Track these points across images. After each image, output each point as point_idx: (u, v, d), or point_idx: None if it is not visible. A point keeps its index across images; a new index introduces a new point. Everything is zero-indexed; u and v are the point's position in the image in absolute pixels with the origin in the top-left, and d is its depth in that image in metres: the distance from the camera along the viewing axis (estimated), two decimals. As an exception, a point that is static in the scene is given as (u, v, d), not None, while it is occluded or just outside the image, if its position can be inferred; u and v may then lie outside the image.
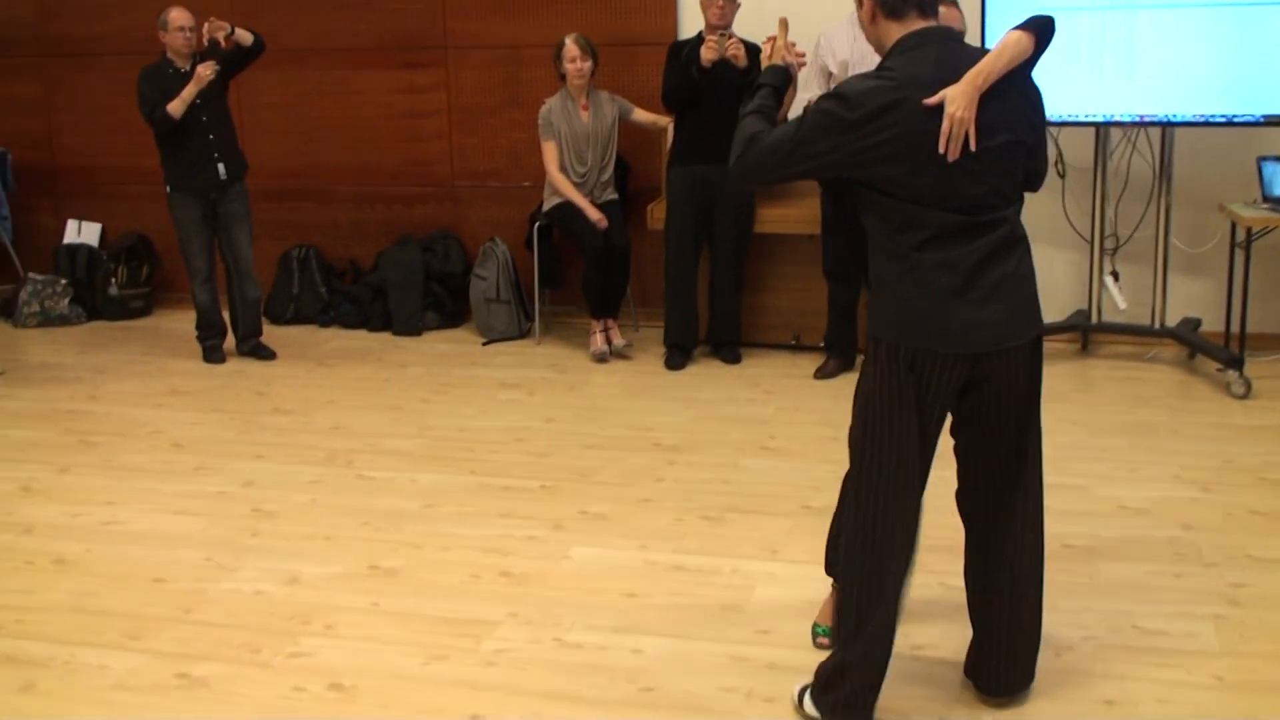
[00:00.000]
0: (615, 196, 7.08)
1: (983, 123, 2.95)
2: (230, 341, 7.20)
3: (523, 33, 7.61)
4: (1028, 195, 3.28)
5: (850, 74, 6.11)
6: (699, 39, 6.47)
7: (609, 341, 6.92)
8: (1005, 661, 3.33)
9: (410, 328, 7.59)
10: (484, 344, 7.33)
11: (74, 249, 8.33)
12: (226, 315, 7.19)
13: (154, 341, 7.56)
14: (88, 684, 3.57)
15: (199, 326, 7.11)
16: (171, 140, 6.78)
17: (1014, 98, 3.05)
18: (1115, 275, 6.66)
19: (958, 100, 2.91)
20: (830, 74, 6.20)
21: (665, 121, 6.95)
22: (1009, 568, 3.32)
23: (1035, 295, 3.30)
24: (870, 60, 6.04)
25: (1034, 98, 3.14)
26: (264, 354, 7.14)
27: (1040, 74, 3.13)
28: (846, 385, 6.23)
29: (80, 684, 3.57)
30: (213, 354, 7.07)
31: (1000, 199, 3.08)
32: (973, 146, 2.94)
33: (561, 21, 7.27)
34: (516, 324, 7.44)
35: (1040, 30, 3.04)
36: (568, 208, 6.91)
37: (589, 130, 6.94)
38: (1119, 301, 6.61)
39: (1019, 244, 3.19)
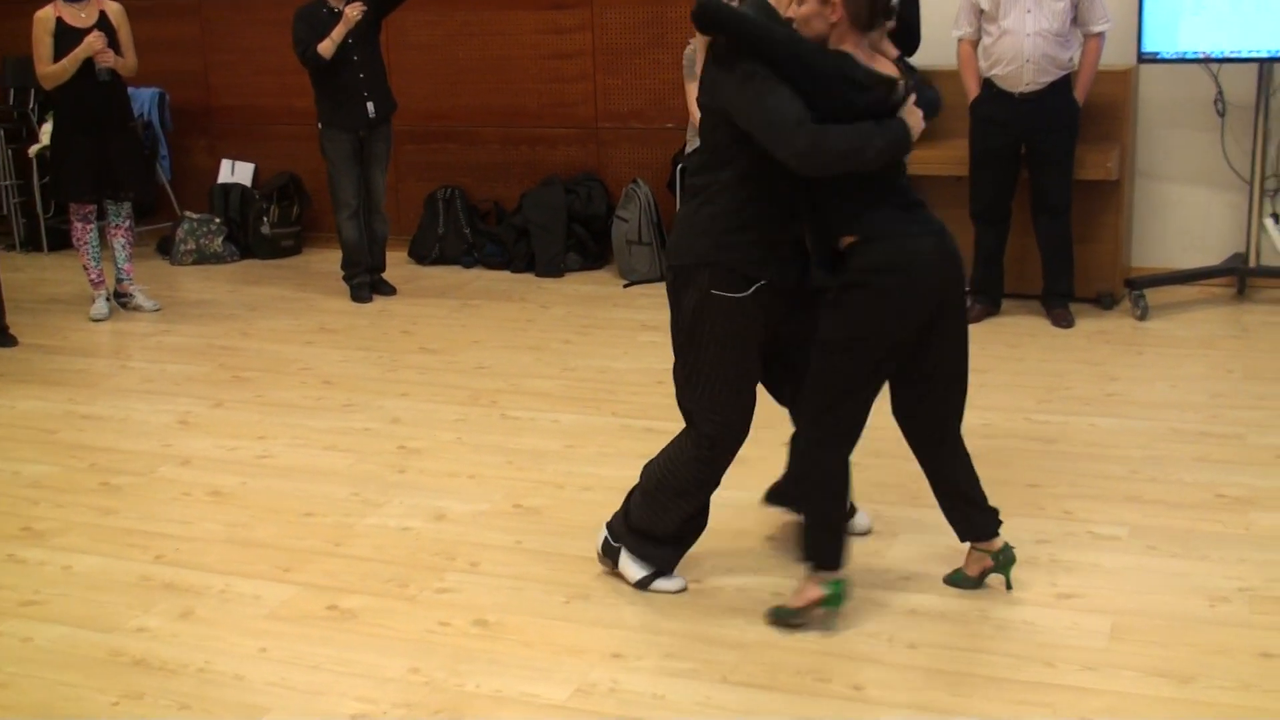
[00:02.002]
0: (759, 137, 7.01)
1: None
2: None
3: (667, -28, 7.56)
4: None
5: (1001, 11, 5.97)
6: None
7: (751, 283, 6.87)
8: None
9: (553, 269, 7.64)
10: (625, 285, 7.35)
11: (228, 188, 8.53)
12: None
13: (304, 280, 7.72)
14: (242, 612, 3.68)
15: (345, 264, 7.24)
16: (324, 78, 6.91)
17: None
18: (1276, 218, 6.44)
19: None
20: (981, 10, 6.06)
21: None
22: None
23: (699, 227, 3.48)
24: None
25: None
26: (385, 289, 7.28)
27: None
28: (992, 330, 6.15)
29: (235, 612, 3.69)
30: (360, 291, 7.20)
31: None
32: None
33: (706, -40, 7.20)
34: (658, 266, 7.44)
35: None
36: (711, 148, 6.86)
37: (733, 70, 6.87)
38: (1280, 245, 6.40)
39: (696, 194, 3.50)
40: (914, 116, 3.27)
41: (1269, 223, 6.42)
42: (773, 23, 3.29)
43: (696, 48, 6.86)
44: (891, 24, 3.34)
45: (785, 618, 3.50)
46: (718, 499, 3.69)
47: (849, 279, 3.31)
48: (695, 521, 3.70)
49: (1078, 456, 4.56)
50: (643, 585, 3.71)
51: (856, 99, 3.22)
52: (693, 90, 6.87)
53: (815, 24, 3.25)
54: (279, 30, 7.24)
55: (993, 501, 3.60)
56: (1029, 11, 5.96)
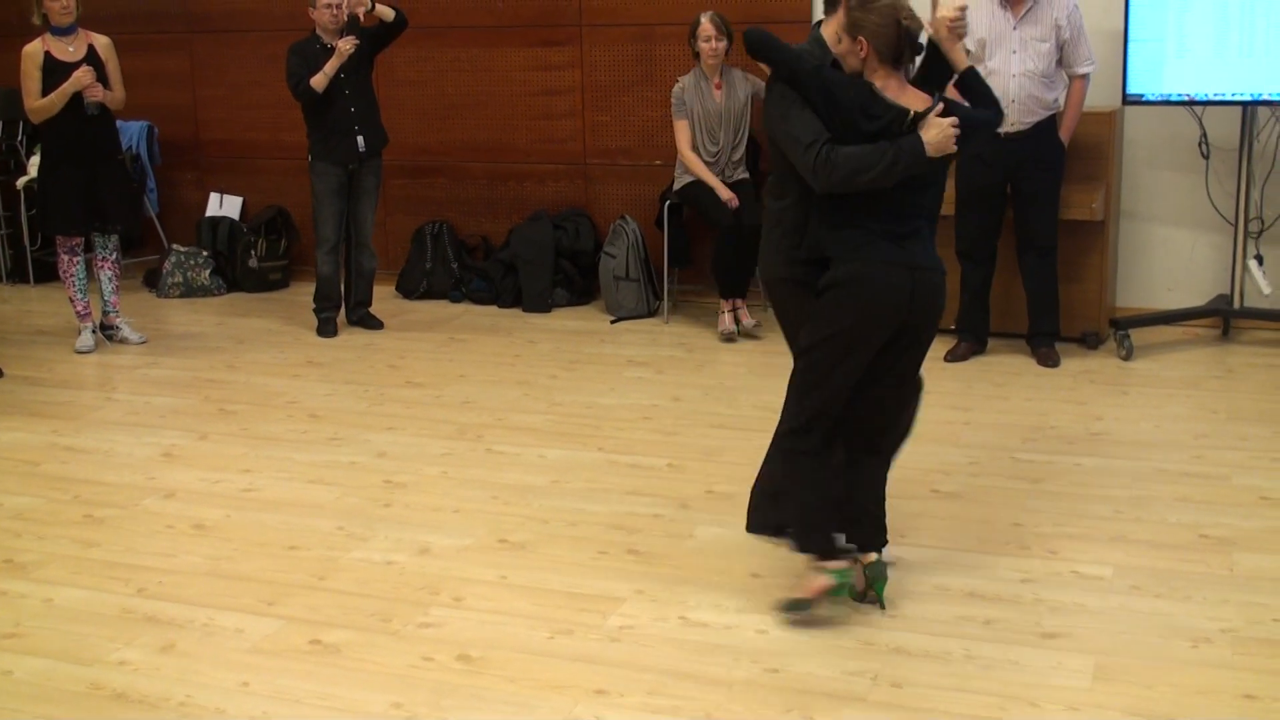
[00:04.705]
0: (747, 176, 7.06)
1: None
2: (341, 314, 7.33)
3: (657, 10, 7.61)
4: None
5: (987, 52, 6.02)
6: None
7: (738, 321, 6.91)
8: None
9: (540, 304, 7.65)
10: (613, 322, 7.36)
11: (216, 221, 8.54)
12: (342, 288, 7.31)
13: (291, 313, 7.72)
14: (224, 646, 3.67)
15: (317, 297, 7.24)
16: (316, 112, 6.94)
17: None
18: (1259, 259, 6.48)
19: None
20: (968, 51, 6.09)
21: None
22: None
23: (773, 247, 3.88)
24: (1008, 38, 5.97)
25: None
26: (372, 323, 7.29)
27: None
28: (978, 369, 6.17)
29: (217, 646, 3.67)
30: (326, 326, 7.20)
31: None
32: None
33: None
34: (645, 302, 7.46)
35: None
36: (699, 186, 6.90)
37: (722, 109, 6.92)
38: (1263, 286, 6.43)
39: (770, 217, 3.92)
40: (931, 132, 3.49)
41: (1253, 264, 6.46)
42: (812, 53, 3.71)
43: (685, 85, 6.91)
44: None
45: (795, 608, 3.68)
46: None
47: (820, 287, 3.64)
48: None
49: (1063, 496, 4.57)
50: None
51: (865, 125, 3.52)
52: (682, 127, 6.92)
53: (850, 60, 3.62)
54: (268, 64, 7.28)
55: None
56: (1014, 52, 6.01)
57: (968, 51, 6.03)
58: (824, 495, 3.74)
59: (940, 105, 3.55)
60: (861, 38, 3.54)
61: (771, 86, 3.71)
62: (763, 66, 3.86)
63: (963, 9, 3.66)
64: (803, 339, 3.71)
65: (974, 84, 3.69)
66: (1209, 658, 3.47)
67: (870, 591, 3.78)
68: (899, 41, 3.53)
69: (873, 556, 3.78)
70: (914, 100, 3.58)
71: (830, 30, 3.73)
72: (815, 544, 3.71)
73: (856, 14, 3.54)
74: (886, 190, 3.54)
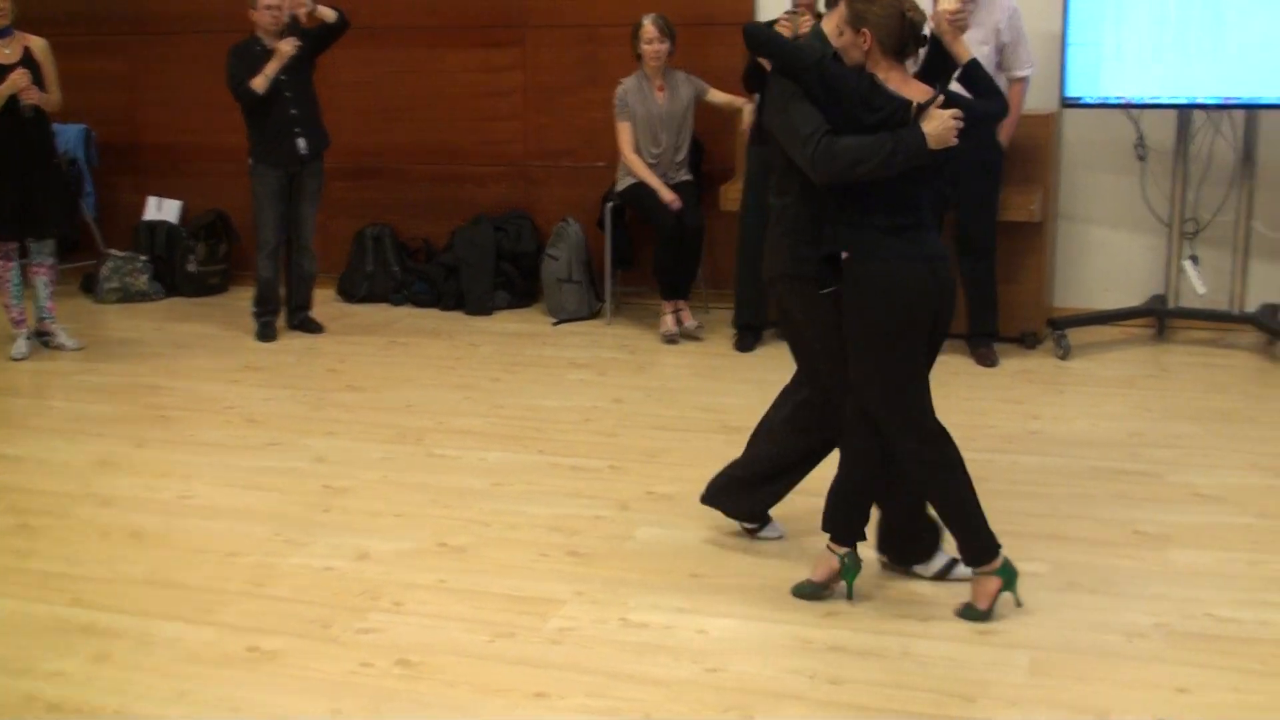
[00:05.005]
0: (689, 177, 7.07)
1: None
2: (281, 318, 7.29)
3: (600, 12, 7.62)
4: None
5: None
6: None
7: (679, 323, 6.92)
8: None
9: (482, 307, 7.63)
10: (555, 324, 7.36)
11: (154, 226, 8.46)
12: (282, 292, 7.27)
13: (230, 318, 7.66)
14: (161, 655, 3.63)
15: (257, 301, 7.19)
16: (256, 115, 6.90)
17: None
18: (1194, 259, 6.56)
19: None
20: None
21: (741, 103, 6.92)
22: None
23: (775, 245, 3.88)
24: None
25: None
26: (312, 327, 7.25)
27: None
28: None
29: (154, 655, 3.63)
30: (266, 330, 7.16)
31: None
32: None
33: (640, 1, 7.25)
34: (587, 304, 7.46)
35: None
36: (641, 188, 6.91)
37: (664, 111, 6.93)
38: (1198, 286, 6.51)
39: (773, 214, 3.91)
40: (931, 124, 3.50)
41: (1188, 265, 6.54)
42: (813, 46, 3.72)
43: (628, 87, 6.92)
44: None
45: (811, 592, 3.81)
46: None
47: (850, 292, 3.64)
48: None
49: (1001, 494, 4.60)
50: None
51: (865, 117, 3.53)
52: (624, 129, 6.92)
53: (852, 53, 3.63)
54: (208, 67, 7.22)
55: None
56: (953, 55, 6.05)
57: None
58: (973, 495, 3.74)
59: (941, 97, 3.56)
60: (865, 30, 3.56)
61: (772, 82, 3.74)
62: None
63: (964, 1, 3.72)
64: (859, 355, 3.67)
65: (977, 76, 3.72)
66: (1143, 651, 3.51)
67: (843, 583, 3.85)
68: (903, 33, 3.56)
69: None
70: (916, 92, 3.59)
71: (831, 24, 3.74)
72: (989, 552, 3.70)
73: (860, 6, 3.56)
74: (893, 183, 3.55)
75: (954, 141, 3.54)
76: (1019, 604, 3.73)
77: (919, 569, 3.94)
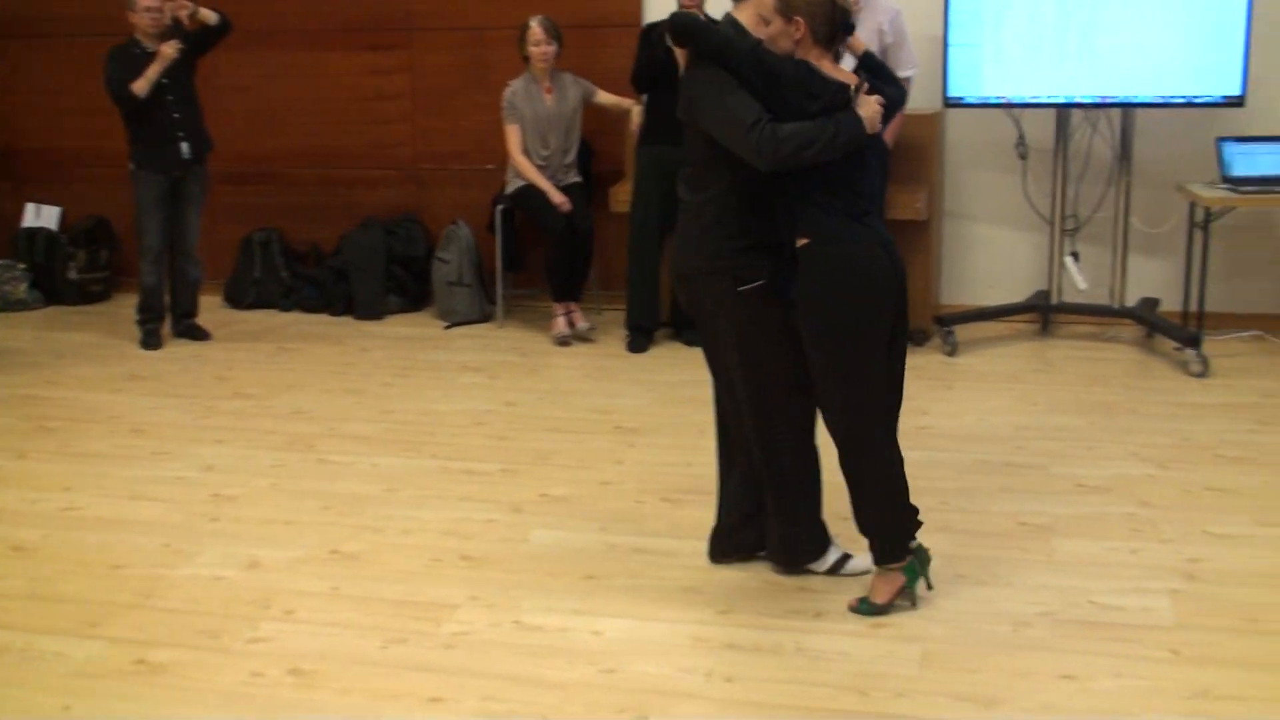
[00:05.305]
0: (579, 179, 7.07)
1: None
2: (166, 325, 7.17)
3: (487, 15, 7.58)
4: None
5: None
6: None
7: (571, 324, 6.92)
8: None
9: (372, 311, 7.57)
10: (446, 327, 7.31)
11: (33, 233, 8.26)
12: (167, 299, 7.15)
13: (113, 326, 7.51)
14: (45, 671, 3.55)
15: (141, 309, 7.05)
16: (137, 119, 6.77)
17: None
18: (1075, 256, 6.70)
19: None
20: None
21: (629, 104, 6.94)
22: (748, 471, 3.98)
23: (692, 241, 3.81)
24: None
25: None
26: (198, 334, 7.14)
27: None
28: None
29: (37, 671, 3.55)
30: (151, 338, 7.03)
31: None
32: None
33: (526, 3, 7.23)
34: (479, 307, 7.43)
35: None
36: (530, 191, 6.90)
37: (552, 113, 6.93)
38: (1079, 282, 6.65)
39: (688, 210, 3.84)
40: (867, 109, 3.53)
41: (1069, 261, 6.67)
42: (743, 35, 3.65)
43: (516, 90, 6.90)
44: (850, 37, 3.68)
45: (875, 612, 3.74)
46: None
47: (811, 279, 3.60)
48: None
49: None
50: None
51: (809, 105, 3.51)
52: (513, 131, 6.91)
53: (782, 42, 3.59)
54: (86, 71, 7.07)
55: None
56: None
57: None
58: (905, 498, 3.74)
59: (866, 84, 3.60)
60: (798, 18, 3.53)
61: (694, 73, 3.64)
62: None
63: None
64: (815, 343, 3.62)
65: (875, 66, 3.75)
66: (1029, 640, 3.58)
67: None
68: (834, 20, 3.55)
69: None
70: (845, 79, 3.60)
71: (748, 13, 3.69)
72: (900, 552, 3.72)
73: None
74: (839, 169, 3.54)
75: (880, 127, 3.58)
76: (931, 588, 3.81)
77: (813, 565, 3.97)
